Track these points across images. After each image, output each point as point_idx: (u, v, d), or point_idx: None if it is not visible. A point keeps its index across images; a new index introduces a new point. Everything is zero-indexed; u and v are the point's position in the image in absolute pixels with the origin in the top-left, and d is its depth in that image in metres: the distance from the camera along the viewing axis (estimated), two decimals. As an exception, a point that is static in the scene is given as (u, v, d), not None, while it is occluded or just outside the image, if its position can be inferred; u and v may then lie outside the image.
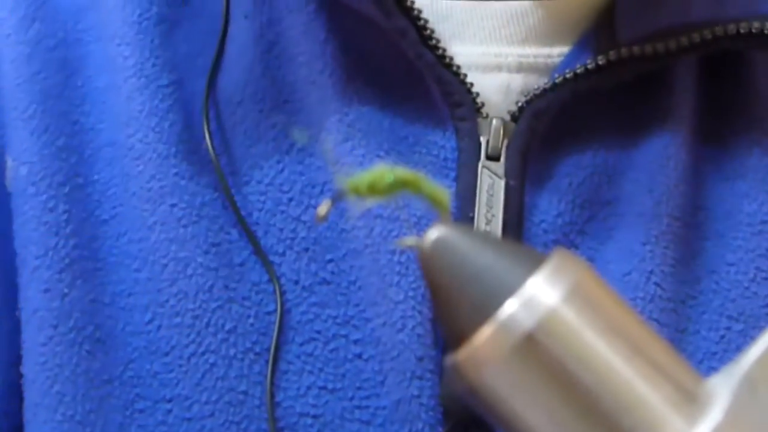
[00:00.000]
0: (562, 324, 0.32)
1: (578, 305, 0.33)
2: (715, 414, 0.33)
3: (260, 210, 0.57)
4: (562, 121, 0.59)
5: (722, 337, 0.57)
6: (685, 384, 0.33)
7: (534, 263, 0.33)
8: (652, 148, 0.60)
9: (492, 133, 0.58)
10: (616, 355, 0.33)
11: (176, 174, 0.57)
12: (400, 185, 0.36)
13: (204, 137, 0.57)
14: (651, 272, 0.57)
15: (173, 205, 0.56)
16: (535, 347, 0.32)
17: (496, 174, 0.57)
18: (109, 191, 0.58)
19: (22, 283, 0.56)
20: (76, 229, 0.57)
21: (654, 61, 0.59)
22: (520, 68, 0.60)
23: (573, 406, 0.32)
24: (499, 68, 0.60)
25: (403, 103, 0.59)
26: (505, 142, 0.58)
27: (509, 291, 0.33)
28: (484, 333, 0.32)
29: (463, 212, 0.57)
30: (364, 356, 0.53)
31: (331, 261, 0.56)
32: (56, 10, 0.61)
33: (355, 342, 0.53)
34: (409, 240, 0.35)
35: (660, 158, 0.60)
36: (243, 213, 0.56)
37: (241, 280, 0.55)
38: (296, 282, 0.55)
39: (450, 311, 0.33)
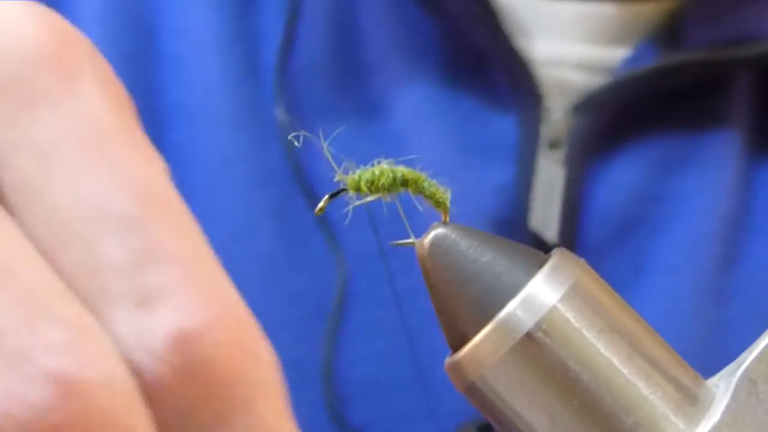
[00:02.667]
0: (563, 324, 0.32)
1: (578, 305, 0.33)
2: (715, 414, 0.33)
3: (327, 180, 0.58)
4: (623, 116, 0.61)
5: None
6: (685, 384, 0.33)
7: (534, 263, 0.33)
8: (708, 149, 0.62)
9: (554, 124, 0.59)
10: (616, 355, 0.33)
11: (248, 140, 0.58)
12: (400, 184, 0.36)
13: (275, 107, 0.59)
14: (700, 268, 0.58)
15: (241, 170, 0.57)
16: (535, 347, 0.32)
17: (555, 163, 0.58)
18: (178, 154, 0.58)
19: None
20: None
21: (716, 69, 0.61)
22: (582, 67, 0.62)
23: (573, 406, 0.32)
24: (562, 65, 0.61)
25: (469, 89, 0.61)
26: (566, 133, 0.59)
27: (509, 291, 0.33)
28: (484, 333, 0.32)
29: (520, 199, 0.58)
30: (425, 326, 0.53)
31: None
32: None
33: (417, 312, 0.53)
34: (409, 240, 0.35)
35: (716, 160, 0.61)
36: (310, 182, 0.57)
37: (305, 247, 0.56)
38: (360, 251, 0.56)
39: (450, 311, 0.33)
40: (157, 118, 0.59)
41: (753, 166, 0.63)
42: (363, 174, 0.37)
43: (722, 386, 0.33)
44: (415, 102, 0.60)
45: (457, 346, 0.33)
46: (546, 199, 0.59)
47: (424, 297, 0.55)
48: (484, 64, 0.61)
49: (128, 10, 0.61)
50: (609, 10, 0.62)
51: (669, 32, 0.62)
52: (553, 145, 0.59)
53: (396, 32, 0.61)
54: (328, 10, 0.61)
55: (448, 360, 0.34)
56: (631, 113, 0.61)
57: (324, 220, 0.57)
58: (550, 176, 0.59)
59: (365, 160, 0.59)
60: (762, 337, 0.34)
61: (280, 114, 0.58)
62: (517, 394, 0.32)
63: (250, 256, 0.55)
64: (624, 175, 0.61)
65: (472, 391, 0.33)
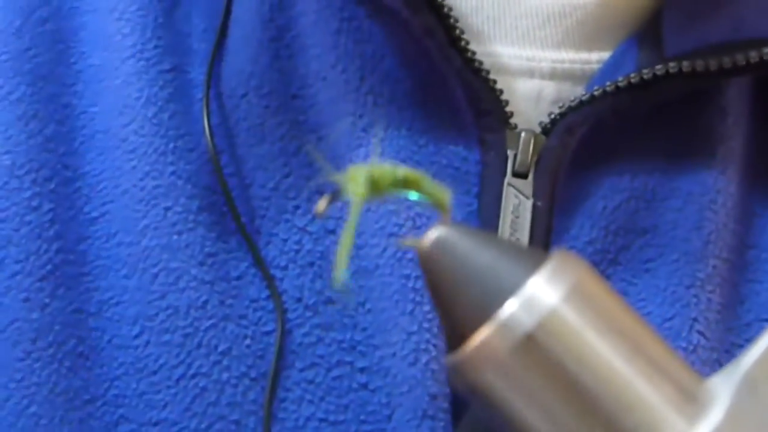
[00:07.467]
0: (563, 324, 0.32)
1: (579, 305, 0.33)
2: (715, 414, 0.33)
3: (262, 217, 0.51)
4: (599, 138, 0.54)
5: None
6: (685, 384, 0.33)
7: (535, 263, 0.33)
8: (699, 177, 0.54)
9: (521, 147, 0.52)
10: (617, 356, 0.33)
11: (173, 173, 0.51)
12: (401, 184, 0.36)
13: (204, 133, 0.52)
14: (695, 319, 0.51)
15: (167, 209, 0.51)
16: (535, 347, 0.32)
17: (522, 193, 0.52)
18: (99, 186, 0.52)
19: None
20: (61, 231, 0.51)
21: (704, 79, 0.53)
22: (554, 75, 0.55)
23: (573, 407, 0.32)
24: (531, 73, 0.55)
25: (423, 107, 0.53)
26: (535, 157, 0.52)
27: (509, 291, 0.33)
28: (484, 333, 0.33)
29: None
30: (371, 387, 0.48)
31: None
32: None
33: (361, 370, 0.48)
34: (409, 240, 0.35)
35: (709, 191, 0.54)
36: (244, 220, 0.51)
37: (237, 296, 0.50)
38: (299, 299, 0.50)
39: (450, 311, 0.33)
40: (76, 145, 0.53)
41: (750, 194, 0.56)
42: (364, 174, 0.36)
43: (722, 386, 0.33)
44: (363, 127, 0.52)
45: (457, 346, 0.33)
46: (512, 235, 0.52)
47: (373, 351, 0.48)
48: (440, 78, 0.53)
49: (44, 20, 0.54)
50: (586, 5, 0.54)
51: (653, 29, 0.54)
52: (521, 172, 0.52)
53: (338, 42, 0.53)
54: (264, 18, 0.54)
55: (448, 360, 0.34)
56: (607, 133, 0.53)
57: (261, 262, 0.49)
58: (516, 209, 0.51)
59: (306, 200, 0.52)
60: (762, 337, 0.34)
61: (208, 141, 0.51)
62: (518, 394, 0.33)
63: (176, 310, 0.49)
64: (599, 205, 0.53)
65: (473, 391, 0.33)
